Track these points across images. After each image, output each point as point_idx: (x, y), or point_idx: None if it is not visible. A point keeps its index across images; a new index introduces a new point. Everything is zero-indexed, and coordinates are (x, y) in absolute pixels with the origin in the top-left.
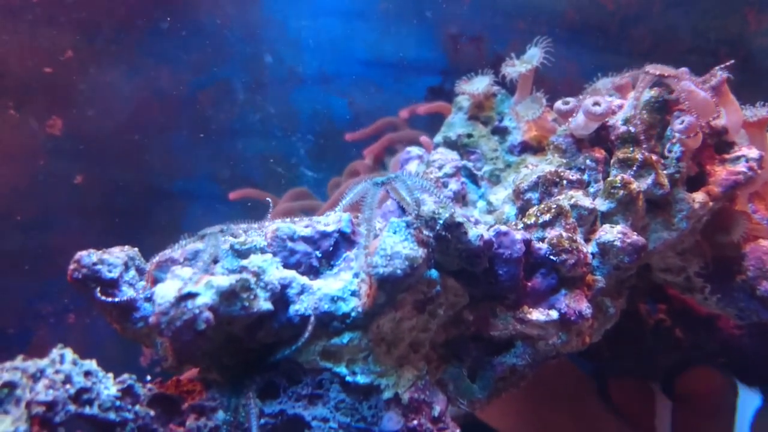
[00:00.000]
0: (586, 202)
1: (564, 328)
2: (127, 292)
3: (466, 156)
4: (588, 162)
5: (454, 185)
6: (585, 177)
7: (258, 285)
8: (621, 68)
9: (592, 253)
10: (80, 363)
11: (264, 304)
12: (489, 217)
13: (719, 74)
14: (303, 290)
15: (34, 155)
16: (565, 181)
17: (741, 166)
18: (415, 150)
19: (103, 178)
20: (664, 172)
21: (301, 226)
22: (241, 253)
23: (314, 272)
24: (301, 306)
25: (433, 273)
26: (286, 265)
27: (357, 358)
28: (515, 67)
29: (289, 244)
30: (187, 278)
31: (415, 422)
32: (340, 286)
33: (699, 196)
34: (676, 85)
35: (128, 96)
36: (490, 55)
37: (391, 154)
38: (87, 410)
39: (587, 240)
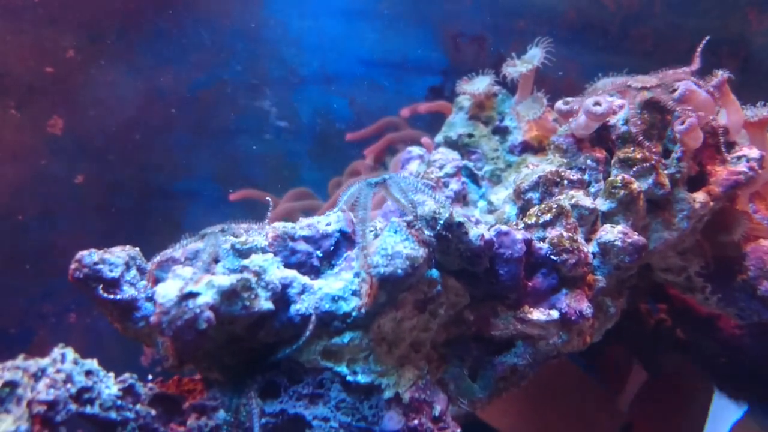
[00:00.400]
0: (587, 201)
1: (565, 327)
2: (128, 292)
3: (466, 156)
4: (589, 162)
5: (454, 185)
6: (586, 177)
7: (259, 284)
8: (622, 68)
9: (593, 253)
10: (81, 362)
11: (265, 303)
12: (490, 216)
13: (720, 74)
14: (304, 290)
15: (35, 155)
16: (565, 181)
17: (742, 166)
18: (416, 150)
19: (104, 178)
20: (665, 171)
21: (302, 226)
22: (242, 253)
23: (315, 272)
24: (302, 305)
25: (434, 273)
26: (287, 265)
27: (358, 357)
28: (516, 67)
29: (290, 243)
30: (188, 278)
31: (416, 422)
32: (341, 286)
33: (700, 196)
34: (662, 94)
35: (129, 96)
36: (491, 55)
37: (392, 154)
38: (88, 409)
39: (588, 240)
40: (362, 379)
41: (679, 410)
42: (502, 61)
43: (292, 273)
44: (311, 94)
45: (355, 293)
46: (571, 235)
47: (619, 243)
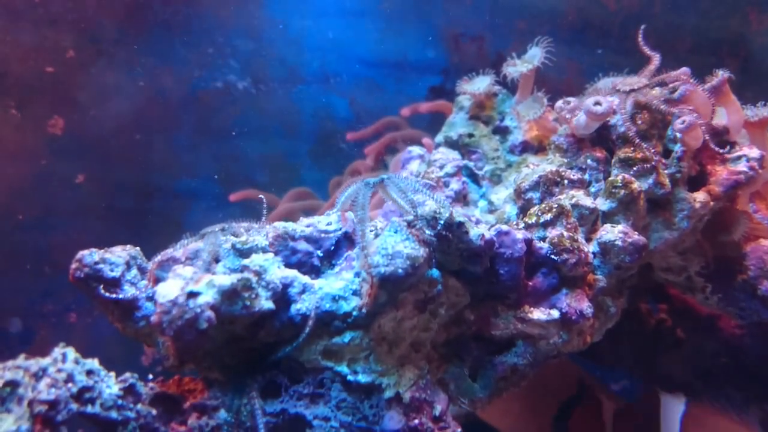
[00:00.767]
0: (588, 201)
1: (565, 327)
2: (129, 291)
3: (467, 155)
4: (589, 161)
5: (455, 185)
6: (586, 176)
7: (259, 284)
8: (622, 68)
9: (594, 253)
10: (82, 362)
11: (265, 303)
12: (490, 216)
13: (720, 74)
14: (304, 289)
15: (35, 155)
16: (566, 181)
17: (742, 166)
18: (416, 149)
19: (105, 178)
20: (665, 171)
21: (303, 226)
22: (243, 253)
23: (316, 271)
24: (302, 305)
25: (435, 272)
26: (288, 265)
27: (358, 357)
28: (516, 67)
29: (291, 243)
30: (189, 277)
31: (416, 421)
32: (342, 286)
33: (700, 196)
34: (649, 95)
35: (129, 96)
36: (491, 55)
37: (393, 154)
38: (89, 409)
39: (588, 239)
40: (363, 378)
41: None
42: (502, 61)
43: (292, 272)
44: (311, 94)
45: (355, 293)
46: (571, 234)
47: (619, 243)
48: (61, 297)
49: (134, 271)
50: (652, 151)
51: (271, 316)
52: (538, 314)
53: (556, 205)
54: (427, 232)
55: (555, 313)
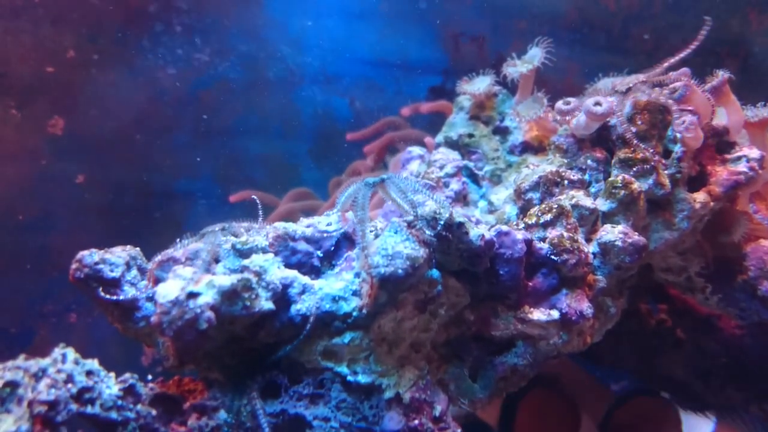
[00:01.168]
0: (588, 202)
1: (565, 327)
2: (128, 292)
3: (467, 156)
4: (589, 162)
5: (455, 185)
6: (586, 177)
7: (259, 284)
8: (622, 68)
9: (594, 253)
10: (82, 362)
11: (265, 303)
12: (490, 216)
13: (720, 74)
14: (304, 290)
15: (35, 155)
16: (566, 181)
17: (742, 166)
18: (416, 150)
19: (105, 178)
20: (665, 172)
21: (303, 226)
22: (243, 253)
23: (316, 272)
24: (302, 305)
25: (435, 273)
26: (288, 265)
27: (358, 357)
28: (516, 67)
29: (291, 243)
30: (189, 278)
31: (416, 422)
32: (342, 286)
33: (700, 196)
34: (646, 92)
35: (130, 96)
36: (491, 55)
37: (393, 154)
38: (89, 409)
39: (588, 240)
40: (363, 379)
41: None
42: (502, 61)
43: (292, 273)
44: (311, 94)
45: (355, 293)
46: (571, 235)
47: (619, 243)
48: (61, 297)
49: (134, 272)
50: (651, 151)
51: (271, 317)
52: (538, 315)
53: (556, 206)
54: (427, 232)
55: (555, 314)
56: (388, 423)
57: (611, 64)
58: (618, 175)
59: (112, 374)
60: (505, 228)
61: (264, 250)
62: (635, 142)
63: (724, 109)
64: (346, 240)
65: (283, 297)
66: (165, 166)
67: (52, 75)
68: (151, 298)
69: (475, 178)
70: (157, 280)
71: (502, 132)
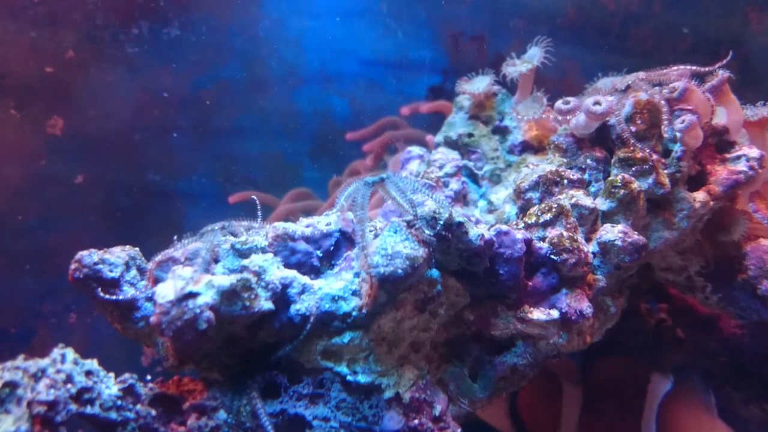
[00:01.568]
0: (587, 201)
1: (565, 327)
2: (128, 292)
3: (466, 155)
4: (589, 161)
5: (455, 185)
6: (586, 176)
7: (259, 284)
8: (622, 68)
9: (593, 253)
10: (81, 362)
11: (265, 303)
12: (490, 216)
13: (720, 73)
14: (304, 290)
15: (35, 155)
16: (565, 181)
17: (742, 166)
18: (416, 149)
19: (104, 178)
20: (665, 171)
21: (302, 226)
22: (242, 253)
23: (315, 272)
24: (302, 305)
25: (434, 272)
26: (287, 265)
27: (358, 357)
28: (516, 67)
29: (290, 243)
30: (188, 278)
31: (416, 422)
32: (341, 286)
33: (700, 196)
34: (644, 89)
35: (129, 96)
36: (491, 55)
37: (392, 154)
38: (88, 410)
39: (588, 239)
40: (362, 379)
41: (623, 400)
42: (502, 60)
43: (292, 273)
44: (311, 94)
45: (355, 293)
46: (571, 234)
47: (619, 242)
48: (60, 297)
49: (133, 272)
50: (648, 151)
51: (271, 317)
52: (537, 314)
53: (555, 205)
54: (427, 232)
55: (555, 313)
56: (387, 423)
57: (610, 63)
58: (617, 175)
59: (112, 374)
60: (504, 227)
61: (263, 250)
62: (632, 141)
63: (724, 108)
64: (346, 240)
65: (282, 297)
66: (165, 167)
67: (51, 75)
68: (150, 298)
69: (474, 178)
70: (157, 280)
71: (502, 131)
